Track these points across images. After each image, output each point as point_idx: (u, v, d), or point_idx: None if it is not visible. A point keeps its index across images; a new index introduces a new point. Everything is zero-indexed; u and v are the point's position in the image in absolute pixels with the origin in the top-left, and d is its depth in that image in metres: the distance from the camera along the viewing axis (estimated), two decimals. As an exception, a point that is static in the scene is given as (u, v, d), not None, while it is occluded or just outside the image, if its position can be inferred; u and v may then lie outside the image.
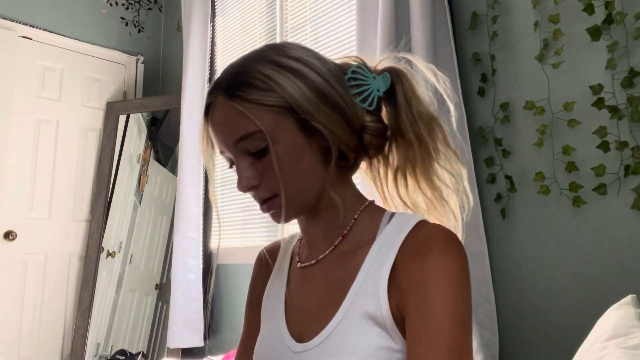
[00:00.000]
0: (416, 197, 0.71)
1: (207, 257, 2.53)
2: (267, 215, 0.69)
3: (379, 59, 0.72)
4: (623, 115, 1.25)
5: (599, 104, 1.27)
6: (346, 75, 0.67)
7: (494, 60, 1.51)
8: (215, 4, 2.78)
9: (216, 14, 2.77)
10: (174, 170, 2.73)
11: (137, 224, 2.80)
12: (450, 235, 0.61)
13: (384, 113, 0.71)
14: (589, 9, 1.29)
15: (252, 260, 0.87)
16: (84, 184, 2.83)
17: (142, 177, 2.85)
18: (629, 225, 1.24)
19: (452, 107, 0.72)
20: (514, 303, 1.44)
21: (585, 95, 1.32)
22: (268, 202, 0.65)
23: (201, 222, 2.49)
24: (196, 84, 2.55)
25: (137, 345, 2.68)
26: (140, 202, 2.81)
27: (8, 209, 2.57)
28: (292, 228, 2.05)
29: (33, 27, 2.73)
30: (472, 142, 1.51)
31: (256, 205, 0.69)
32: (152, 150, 2.89)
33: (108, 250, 2.75)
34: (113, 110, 2.92)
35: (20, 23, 2.69)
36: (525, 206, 1.43)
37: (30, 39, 2.72)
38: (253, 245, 2.36)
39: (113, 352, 2.65)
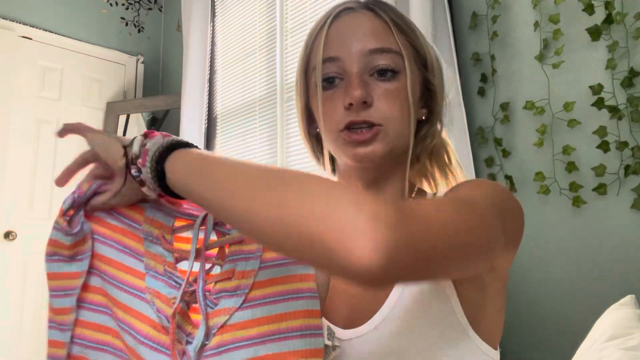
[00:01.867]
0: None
1: (207, 257, 2.53)
2: None
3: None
4: (623, 115, 1.25)
5: (599, 104, 1.27)
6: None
7: (494, 60, 1.51)
8: (215, 4, 2.78)
9: (216, 14, 2.77)
10: (174, 170, 2.73)
11: (137, 224, 2.79)
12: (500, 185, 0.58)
13: None
14: (589, 9, 1.29)
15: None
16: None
17: (142, 177, 2.84)
18: (629, 225, 1.24)
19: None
20: (513, 303, 1.44)
21: (585, 95, 1.32)
22: (369, 132, 0.59)
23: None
24: (196, 84, 2.55)
25: (137, 345, 2.68)
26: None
27: (8, 209, 2.57)
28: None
29: (33, 27, 2.73)
30: (472, 142, 1.51)
31: None
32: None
33: (108, 250, 2.74)
34: (113, 110, 2.92)
35: (20, 23, 2.69)
36: (525, 206, 1.42)
37: (30, 39, 2.72)
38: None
39: (113, 352, 2.65)
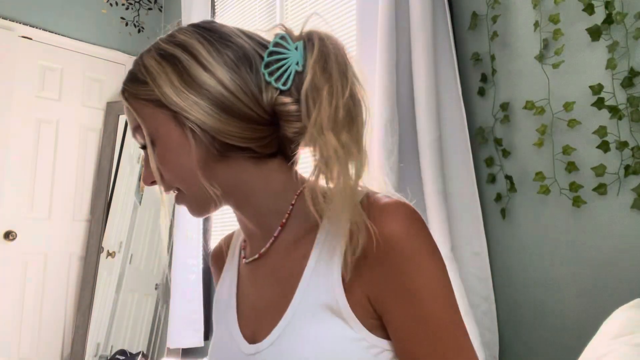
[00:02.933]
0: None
1: (207, 257, 2.53)
2: None
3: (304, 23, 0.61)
4: (623, 115, 1.25)
5: (599, 104, 1.27)
6: (266, 51, 0.59)
7: (494, 60, 1.51)
8: (215, 4, 2.78)
9: (216, 14, 2.77)
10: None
11: (137, 224, 2.80)
12: (411, 211, 0.55)
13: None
14: (589, 9, 1.29)
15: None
16: (84, 184, 2.83)
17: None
18: (629, 225, 1.24)
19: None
20: (514, 303, 1.44)
21: (585, 95, 1.32)
22: (176, 197, 0.64)
23: (201, 222, 2.49)
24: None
25: (137, 345, 2.68)
26: (140, 202, 2.81)
27: (8, 209, 2.57)
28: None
29: (33, 27, 2.73)
30: (472, 142, 1.51)
31: None
32: (152, 150, 2.88)
33: (108, 250, 2.74)
34: (113, 110, 2.92)
35: (20, 23, 2.69)
36: (525, 206, 1.43)
37: (30, 39, 2.72)
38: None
39: (113, 352, 2.65)
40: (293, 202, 0.62)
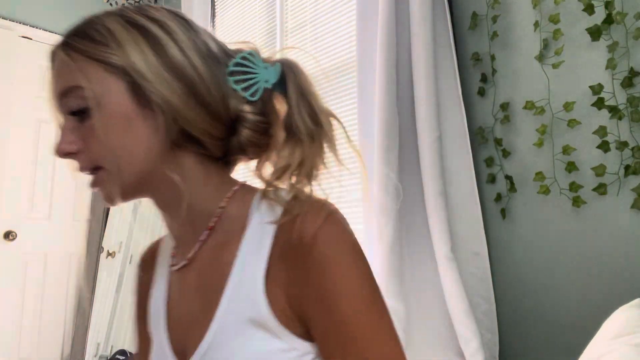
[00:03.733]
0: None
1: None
2: None
3: (278, 50, 0.66)
4: (623, 115, 1.25)
5: (599, 104, 1.27)
6: (232, 61, 0.60)
7: (494, 60, 1.51)
8: (215, 4, 2.78)
9: (216, 14, 2.77)
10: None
11: (137, 224, 2.80)
12: (331, 210, 0.54)
13: (282, 109, 0.62)
14: (589, 9, 1.29)
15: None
16: (84, 184, 2.83)
17: (142, 177, 2.85)
18: (629, 225, 1.24)
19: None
20: (514, 303, 1.44)
21: (585, 95, 1.32)
22: (94, 177, 0.57)
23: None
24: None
25: (137, 345, 2.68)
26: (140, 202, 2.82)
27: (8, 209, 2.57)
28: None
29: (33, 27, 2.73)
30: (472, 142, 1.51)
31: None
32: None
33: (108, 250, 2.74)
34: (113, 110, 2.92)
35: (20, 23, 2.69)
36: (525, 206, 1.43)
37: (30, 39, 2.72)
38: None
39: (113, 352, 2.65)
40: (223, 205, 0.59)
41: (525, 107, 1.41)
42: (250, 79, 0.60)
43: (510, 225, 1.46)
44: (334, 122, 0.61)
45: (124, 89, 0.54)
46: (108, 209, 2.78)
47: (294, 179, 0.57)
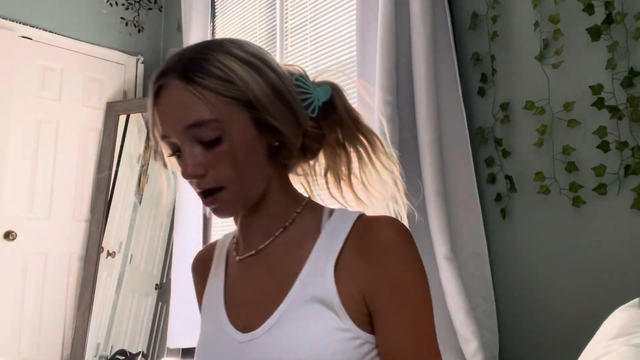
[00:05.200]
0: (347, 197, 0.76)
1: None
2: None
3: (316, 74, 0.76)
4: (623, 115, 1.25)
5: (599, 104, 1.27)
6: (292, 82, 0.69)
7: (494, 60, 1.51)
8: (215, 4, 2.78)
9: (216, 14, 2.77)
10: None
11: (137, 224, 2.80)
12: (400, 226, 0.64)
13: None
14: (589, 9, 1.29)
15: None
16: (84, 184, 2.83)
17: (142, 177, 2.85)
18: (629, 225, 1.24)
19: (384, 121, 0.78)
20: (514, 303, 1.44)
21: (585, 95, 1.32)
22: (212, 196, 0.64)
23: (201, 222, 2.49)
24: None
25: (137, 345, 2.68)
26: (140, 202, 2.81)
27: (8, 209, 2.57)
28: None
29: (33, 27, 2.73)
30: (472, 142, 1.51)
31: None
32: (152, 150, 2.88)
33: (108, 250, 2.74)
34: (113, 110, 2.92)
35: (20, 23, 2.69)
36: (525, 206, 1.43)
37: (30, 39, 2.72)
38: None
39: (113, 352, 2.65)
40: (299, 211, 0.70)
41: (525, 107, 1.41)
42: (307, 97, 0.69)
43: (510, 225, 1.46)
44: (372, 132, 0.74)
45: (247, 118, 0.63)
46: (108, 209, 2.78)
47: (344, 186, 0.74)
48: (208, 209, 0.67)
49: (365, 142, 0.73)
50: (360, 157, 0.73)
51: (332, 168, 0.74)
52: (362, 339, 0.62)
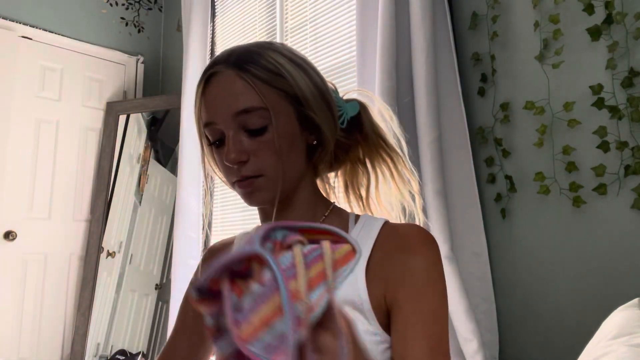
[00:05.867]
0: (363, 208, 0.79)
1: (207, 257, 2.53)
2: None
3: (349, 91, 0.80)
4: (623, 115, 1.25)
5: (599, 104, 1.27)
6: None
7: (494, 60, 1.51)
8: (215, 4, 2.78)
9: (216, 14, 2.77)
10: (174, 170, 2.73)
11: (137, 224, 2.80)
12: (426, 232, 0.67)
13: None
14: (589, 9, 1.29)
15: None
16: (84, 184, 2.83)
17: (142, 177, 2.85)
18: (629, 225, 1.24)
19: (403, 143, 0.79)
20: (514, 303, 1.44)
21: (585, 95, 1.32)
22: (249, 180, 0.66)
23: (201, 222, 2.49)
24: (196, 84, 2.55)
25: (137, 345, 2.68)
26: (140, 202, 2.81)
27: (8, 209, 2.57)
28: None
29: (33, 27, 2.73)
30: (472, 142, 1.51)
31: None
32: (152, 150, 2.88)
33: (108, 250, 2.75)
34: (113, 110, 2.92)
35: (20, 23, 2.69)
36: (525, 206, 1.43)
37: (30, 39, 2.72)
38: (253, 245, 2.35)
39: (113, 352, 2.65)
40: (326, 214, 0.72)
41: (525, 107, 1.41)
42: (339, 108, 0.73)
43: (510, 225, 1.46)
44: (395, 149, 0.77)
45: (293, 113, 0.66)
46: (108, 209, 2.78)
47: (364, 196, 0.77)
48: (209, 209, 0.68)
49: (388, 159, 0.76)
50: (383, 175, 0.76)
51: (351, 185, 0.77)
52: (387, 343, 0.63)
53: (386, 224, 0.69)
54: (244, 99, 0.64)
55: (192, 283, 0.82)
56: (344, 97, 0.77)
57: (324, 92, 0.69)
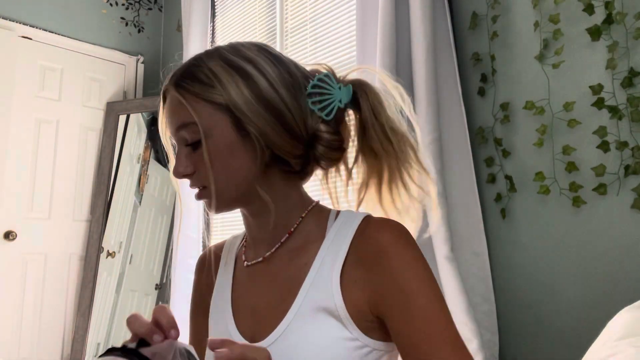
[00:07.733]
0: (373, 207, 0.73)
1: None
2: None
3: (351, 69, 0.73)
4: (623, 115, 1.25)
5: (599, 104, 1.27)
6: (310, 83, 0.68)
7: (494, 60, 1.51)
8: (215, 4, 2.78)
9: (216, 14, 2.77)
10: (174, 170, 2.73)
11: (137, 224, 2.80)
12: (396, 227, 0.64)
13: (355, 126, 0.72)
14: (589, 9, 1.29)
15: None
16: (84, 184, 2.83)
17: (142, 177, 2.85)
18: (629, 225, 1.24)
19: (417, 128, 0.74)
20: (514, 303, 1.44)
21: (585, 95, 1.32)
22: (199, 191, 0.68)
23: (201, 222, 2.49)
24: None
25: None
26: (140, 202, 2.81)
27: (8, 209, 2.57)
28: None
29: (33, 27, 2.73)
30: (472, 142, 1.51)
31: None
32: (152, 150, 2.88)
33: (108, 250, 2.74)
34: (113, 110, 2.92)
35: (20, 23, 2.69)
36: (525, 206, 1.43)
37: (30, 39, 2.72)
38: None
39: (113, 352, 2.65)
40: (303, 216, 0.70)
41: (525, 107, 1.41)
42: (326, 99, 0.67)
43: (510, 225, 1.46)
44: (405, 140, 0.70)
45: (228, 122, 0.64)
46: (108, 209, 2.78)
47: (373, 193, 0.70)
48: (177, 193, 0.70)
49: (394, 151, 0.68)
50: (389, 169, 0.69)
51: (364, 178, 0.72)
52: (369, 347, 0.61)
53: (366, 219, 0.66)
54: (179, 115, 0.65)
55: None
56: (347, 78, 0.71)
57: (266, 98, 0.63)
